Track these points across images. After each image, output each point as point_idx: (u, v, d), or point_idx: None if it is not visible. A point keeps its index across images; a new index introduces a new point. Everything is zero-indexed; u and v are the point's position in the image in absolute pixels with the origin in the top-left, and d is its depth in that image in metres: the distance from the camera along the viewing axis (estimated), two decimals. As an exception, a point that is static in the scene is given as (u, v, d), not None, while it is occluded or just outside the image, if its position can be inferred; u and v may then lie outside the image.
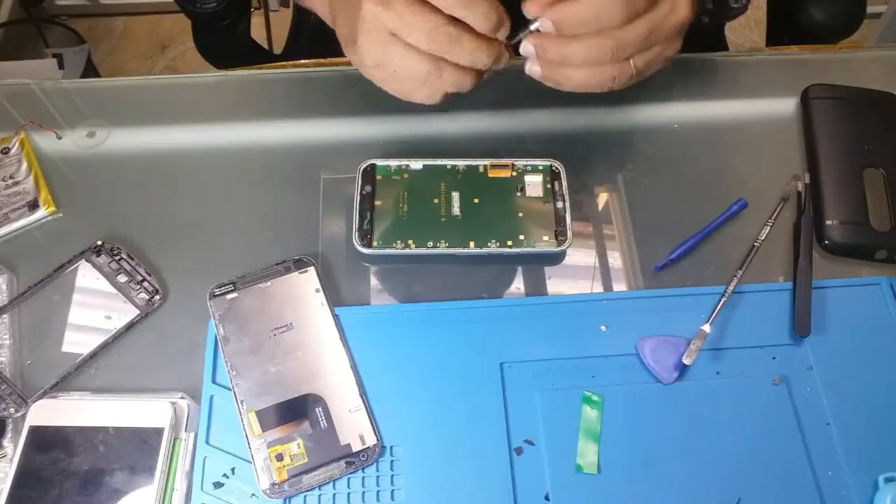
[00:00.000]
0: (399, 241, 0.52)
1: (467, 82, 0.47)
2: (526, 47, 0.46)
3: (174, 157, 0.59)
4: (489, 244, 0.52)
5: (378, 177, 0.55)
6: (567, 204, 0.53)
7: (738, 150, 0.59)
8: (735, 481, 0.44)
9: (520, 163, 0.55)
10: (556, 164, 0.55)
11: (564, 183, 0.54)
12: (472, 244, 0.52)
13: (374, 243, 0.52)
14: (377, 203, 0.54)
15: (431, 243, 0.52)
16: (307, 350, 0.48)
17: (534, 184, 0.54)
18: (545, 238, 0.52)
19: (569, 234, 0.52)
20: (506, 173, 0.55)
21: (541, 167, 0.55)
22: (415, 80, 0.47)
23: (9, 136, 0.59)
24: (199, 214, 0.56)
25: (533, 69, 0.48)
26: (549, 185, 0.54)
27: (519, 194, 0.54)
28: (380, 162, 0.55)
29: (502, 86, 0.61)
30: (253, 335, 0.48)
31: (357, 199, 0.54)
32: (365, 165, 0.55)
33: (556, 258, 0.53)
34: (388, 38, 0.46)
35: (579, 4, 0.44)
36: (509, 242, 0.52)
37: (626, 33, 0.45)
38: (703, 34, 0.52)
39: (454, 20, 0.45)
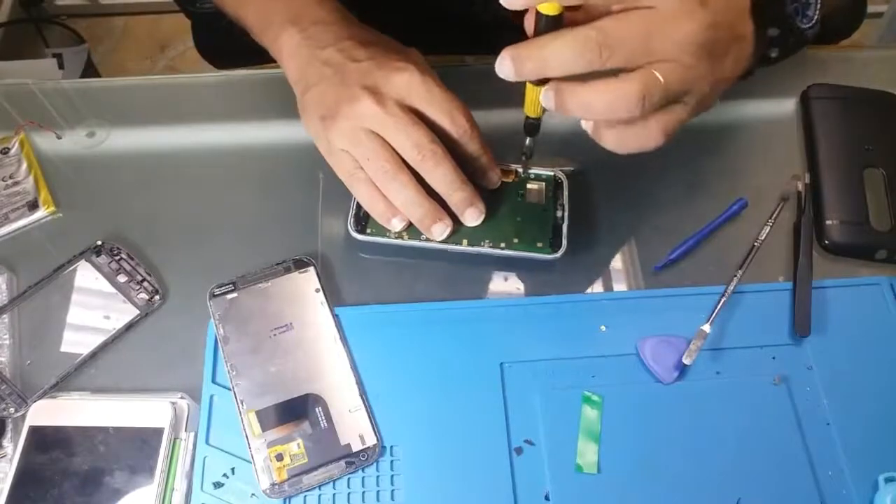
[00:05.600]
0: (392, 231, 0.52)
1: (427, 214, 0.49)
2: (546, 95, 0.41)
3: (174, 157, 0.59)
4: (482, 244, 0.52)
5: None
6: (566, 214, 0.53)
7: (738, 150, 0.59)
8: (735, 481, 0.44)
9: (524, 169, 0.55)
10: (560, 175, 0.55)
11: (566, 193, 0.54)
12: (465, 242, 0.52)
13: (368, 230, 0.52)
14: None
15: (424, 236, 0.52)
16: (307, 350, 0.48)
17: (535, 191, 0.54)
18: (539, 244, 0.52)
19: (564, 243, 0.51)
20: (509, 178, 0.55)
21: (544, 176, 0.55)
22: (377, 179, 0.49)
23: (9, 136, 0.59)
24: (199, 214, 0.56)
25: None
26: (550, 194, 0.54)
27: (519, 199, 0.54)
28: None
29: (501, 83, 0.61)
30: (253, 335, 0.48)
31: None
32: None
33: (548, 265, 0.53)
34: (367, 132, 0.48)
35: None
36: (502, 245, 0.52)
37: (614, 28, 0.37)
38: None
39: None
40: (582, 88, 0.39)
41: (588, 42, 0.37)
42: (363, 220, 0.53)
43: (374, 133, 0.48)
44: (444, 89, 0.48)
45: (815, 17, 0.48)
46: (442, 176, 0.48)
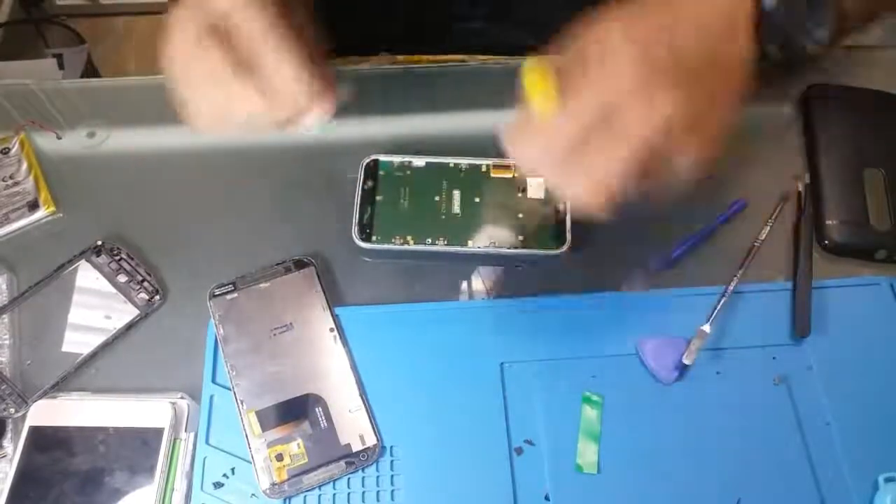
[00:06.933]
0: (398, 237, 0.52)
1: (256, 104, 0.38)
2: None
3: (174, 157, 0.59)
4: (487, 244, 0.52)
5: (381, 172, 0.55)
6: (568, 207, 0.53)
7: (738, 150, 0.59)
8: (735, 481, 0.44)
9: None
10: None
11: None
12: (470, 243, 0.52)
13: (373, 238, 0.52)
14: (378, 198, 0.54)
15: (430, 240, 0.52)
16: (307, 350, 0.48)
17: (535, 185, 0.54)
18: (544, 240, 0.52)
19: (568, 237, 0.52)
20: (508, 173, 0.55)
21: None
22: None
23: (9, 136, 0.59)
24: (199, 214, 0.56)
25: None
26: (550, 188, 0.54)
27: (520, 195, 0.54)
28: (383, 157, 0.55)
29: (500, 84, 0.61)
30: (253, 335, 0.48)
31: (359, 193, 0.54)
32: (368, 160, 0.55)
33: (553, 261, 0.53)
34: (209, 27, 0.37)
35: None
36: (507, 243, 0.52)
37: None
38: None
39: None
40: None
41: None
42: (367, 228, 0.53)
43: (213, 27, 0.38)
44: None
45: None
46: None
